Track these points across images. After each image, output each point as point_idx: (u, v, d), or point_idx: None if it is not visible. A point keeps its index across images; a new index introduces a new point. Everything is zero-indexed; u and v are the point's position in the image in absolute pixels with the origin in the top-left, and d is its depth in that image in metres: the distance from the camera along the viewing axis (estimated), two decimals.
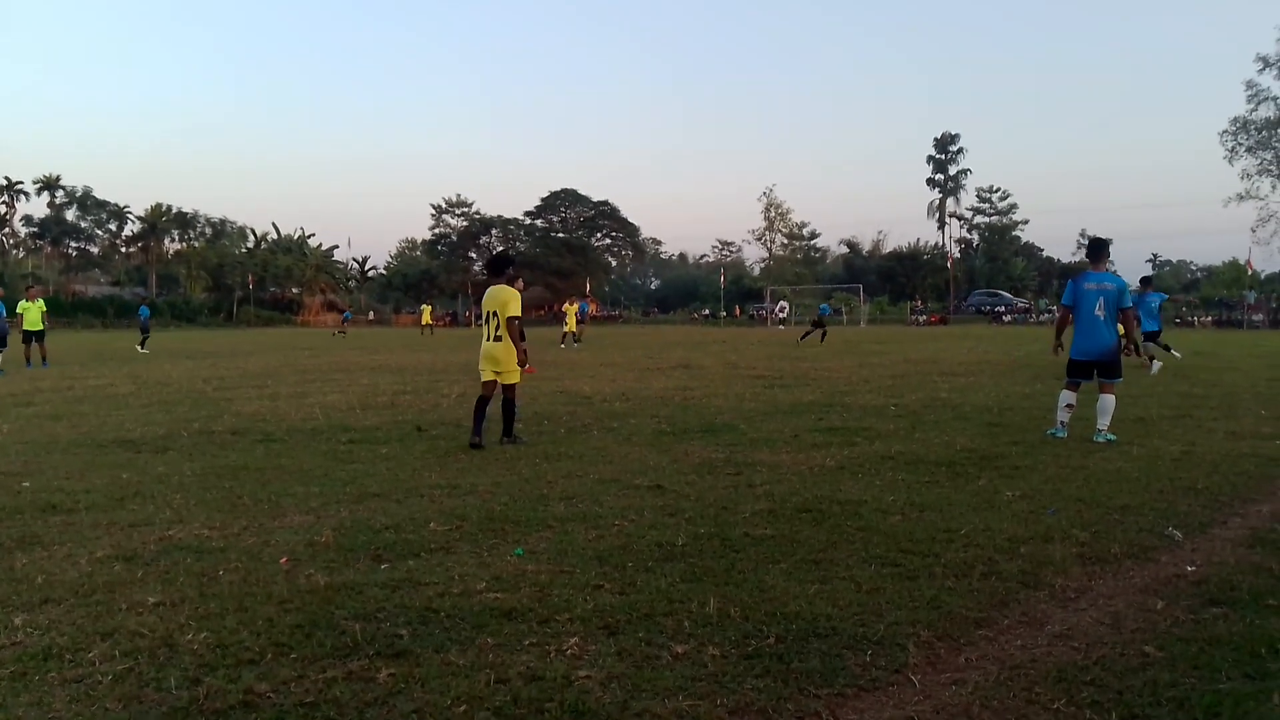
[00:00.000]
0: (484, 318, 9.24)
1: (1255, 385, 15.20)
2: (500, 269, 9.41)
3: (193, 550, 5.18)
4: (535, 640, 3.78)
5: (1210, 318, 63.19)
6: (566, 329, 34.56)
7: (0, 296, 21.96)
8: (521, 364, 9.21)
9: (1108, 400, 9.20)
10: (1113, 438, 9.00)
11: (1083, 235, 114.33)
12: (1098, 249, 9.63)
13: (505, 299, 9.07)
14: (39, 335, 23.04)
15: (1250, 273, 65.94)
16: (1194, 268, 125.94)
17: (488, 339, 9.17)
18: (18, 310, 23.06)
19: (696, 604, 4.18)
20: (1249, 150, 66.63)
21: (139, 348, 31.36)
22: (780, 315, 67.27)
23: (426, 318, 55.80)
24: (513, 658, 3.59)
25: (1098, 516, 5.90)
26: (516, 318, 9.07)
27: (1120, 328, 9.49)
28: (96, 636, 3.83)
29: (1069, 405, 9.46)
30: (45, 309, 23.84)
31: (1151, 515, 5.94)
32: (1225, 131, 67.14)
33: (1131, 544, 5.25)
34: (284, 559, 4.98)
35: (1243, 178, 67.53)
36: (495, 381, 9.23)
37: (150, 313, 35.29)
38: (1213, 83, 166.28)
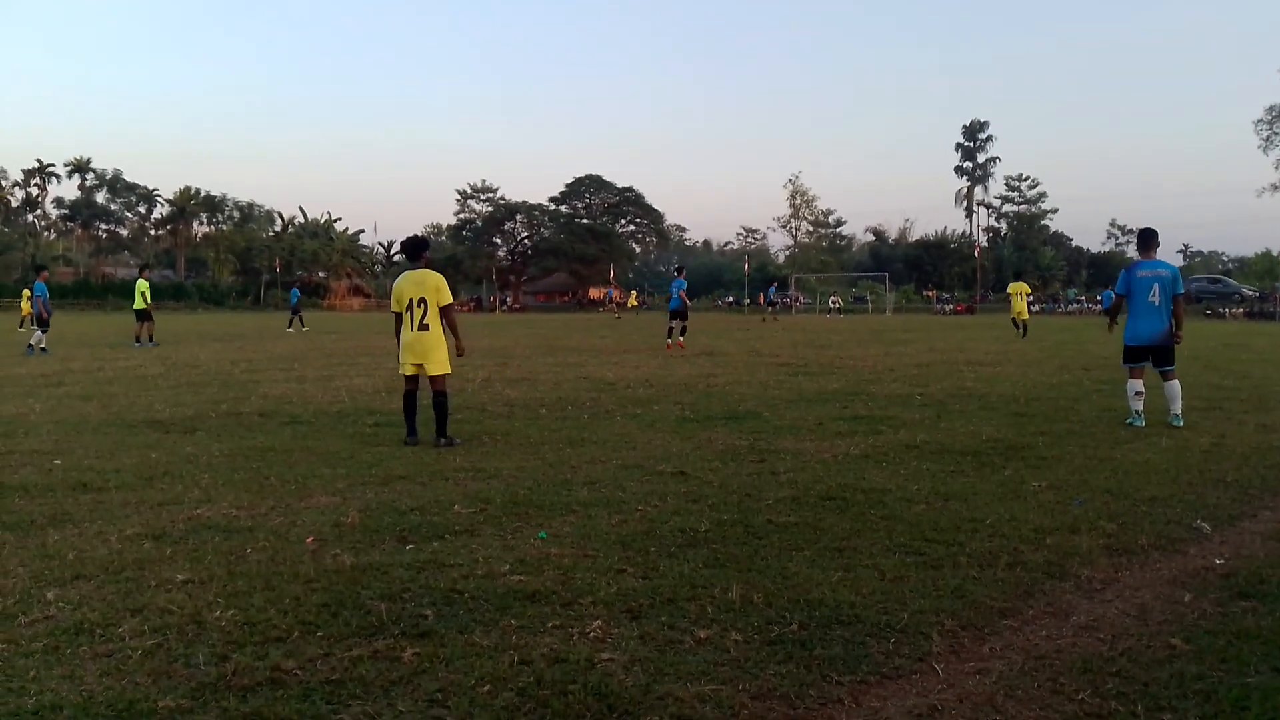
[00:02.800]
0: (406, 305, 8.36)
1: None
2: (418, 252, 8.70)
3: (221, 529, 5.25)
4: (559, 623, 3.80)
5: (1241, 309, 62.29)
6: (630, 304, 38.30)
7: (44, 279, 22.77)
8: (460, 354, 8.83)
9: (1174, 386, 9.48)
10: (1182, 422, 9.27)
11: (1113, 224, 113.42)
12: (1148, 239, 9.74)
13: (436, 284, 8.40)
14: (143, 314, 24.78)
15: None
16: (1226, 259, 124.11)
17: (411, 328, 8.34)
18: (139, 290, 24.99)
19: (719, 590, 4.18)
20: None
21: (301, 327, 35.13)
22: (834, 307, 67.95)
23: (619, 297, 54.70)
24: (536, 640, 3.61)
25: (1125, 508, 5.85)
26: (452, 304, 8.60)
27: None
28: (126, 612, 3.89)
29: (1139, 393, 9.55)
30: (146, 289, 25.38)
31: (1180, 507, 5.88)
32: (1260, 120, 66.36)
33: (1159, 536, 5.20)
34: (310, 539, 5.02)
35: (1277, 167, 66.63)
36: (418, 376, 8.48)
37: (300, 294, 39.06)
38: (1247, 71, 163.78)
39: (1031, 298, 29.31)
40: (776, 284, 64.66)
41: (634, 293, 52.57)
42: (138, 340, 24.01)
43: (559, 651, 3.49)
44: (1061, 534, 5.18)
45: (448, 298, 8.49)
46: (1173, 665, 3.42)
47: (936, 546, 4.92)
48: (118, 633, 3.67)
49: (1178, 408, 9.43)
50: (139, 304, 24.76)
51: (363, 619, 3.81)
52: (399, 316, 8.47)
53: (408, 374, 8.52)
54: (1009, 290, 29.92)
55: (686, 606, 3.99)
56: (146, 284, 25.28)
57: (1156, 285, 9.36)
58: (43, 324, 21.22)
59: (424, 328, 8.35)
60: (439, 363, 8.39)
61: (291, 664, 3.37)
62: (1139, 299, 9.45)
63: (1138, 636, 3.71)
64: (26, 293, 27.26)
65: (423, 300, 8.35)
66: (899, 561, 4.67)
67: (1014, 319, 28.95)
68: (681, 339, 22.78)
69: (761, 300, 63.55)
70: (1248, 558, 4.80)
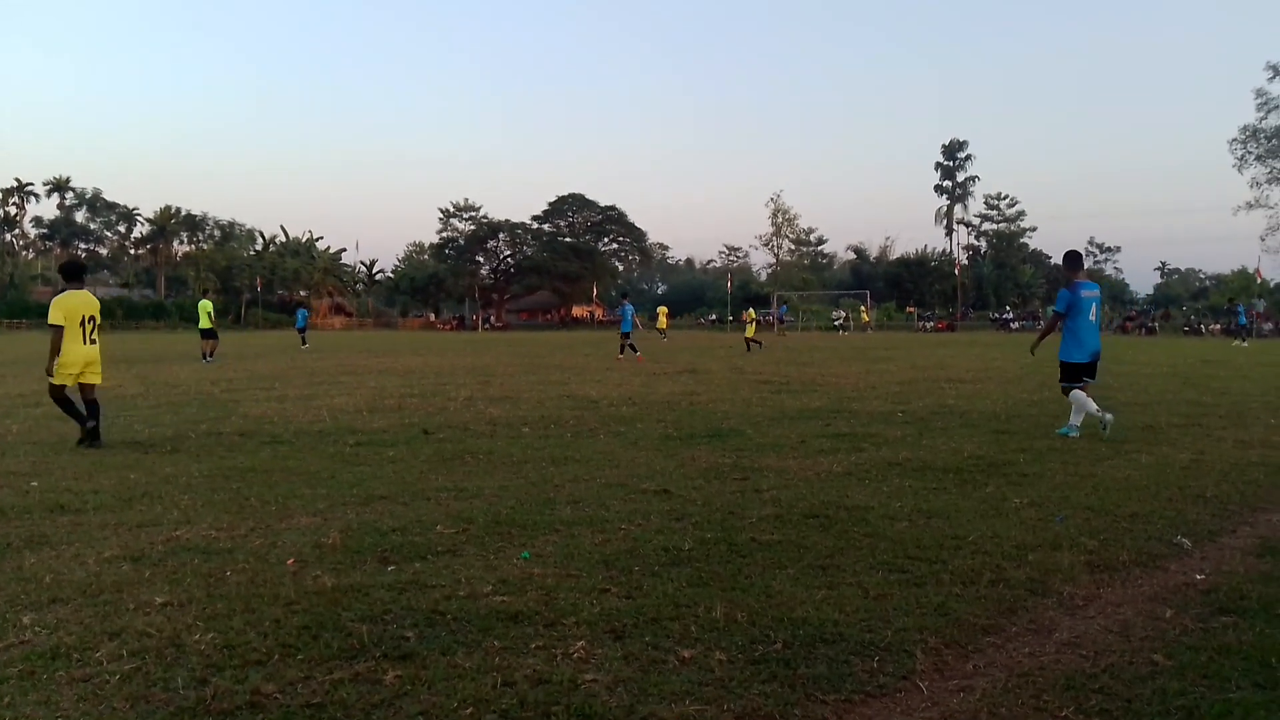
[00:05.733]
0: (80, 321, 9.34)
1: (1264, 394, 15.14)
2: (81, 274, 9.81)
3: (200, 551, 5.19)
4: (542, 643, 3.77)
5: (1219, 326, 62.95)
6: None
7: None
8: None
9: (1082, 396, 9.92)
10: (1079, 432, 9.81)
11: (1091, 242, 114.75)
12: (1079, 260, 10.28)
13: (98, 305, 9.69)
14: (208, 333, 26.10)
15: (1259, 281, 65.76)
16: (1203, 276, 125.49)
17: (84, 342, 9.41)
18: (204, 310, 26.37)
19: (703, 609, 4.17)
20: (1258, 159, 66.58)
21: (302, 345, 36.81)
22: (836, 322, 68.59)
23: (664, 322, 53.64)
24: (519, 661, 3.59)
25: (1106, 524, 5.88)
26: None
27: None
28: (104, 636, 3.84)
29: (1087, 398, 9.84)
30: (211, 309, 26.65)
31: (1160, 523, 5.91)
32: (1235, 140, 67.13)
33: (1140, 552, 5.22)
34: (291, 560, 4.98)
35: (1252, 186, 67.57)
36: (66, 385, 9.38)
37: (307, 314, 41.45)
38: (1223, 90, 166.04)
39: (756, 321, 35.55)
40: (785, 305, 65.45)
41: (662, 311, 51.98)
42: (205, 356, 25.35)
43: (542, 673, 3.47)
44: (1043, 551, 5.20)
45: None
46: (1155, 681, 3.43)
47: (919, 564, 4.93)
48: (95, 657, 3.62)
49: (1079, 420, 9.87)
50: (204, 323, 26.15)
51: (344, 641, 3.78)
52: (61, 330, 9.25)
53: (68, 383, 9.41)
54: (747, 316, 36.04)
55: (670, 626, 3.98)
56: (210, 304, 26.69)
57: (1094, 305, 9.95)
58: None
59: (93, 342, 9.54)
60: (99, 374, 9.68)
61: (271, 687, 3.33)
62: (1083, 318, 9.87)
63: (1120, 653, 3.72)
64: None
65: (93, 318, 9.52)
66: (882, 579, 4.67)
67: (747, 339, 33.28)
68: (639, 354, 26.47)
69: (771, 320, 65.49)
70: (1228, 573, 4.83)
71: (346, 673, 3.47)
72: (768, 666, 3.55)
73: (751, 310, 36.87)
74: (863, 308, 74.70)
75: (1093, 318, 9.93)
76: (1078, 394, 9.86)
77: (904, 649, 3.72)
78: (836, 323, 69.61)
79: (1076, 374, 9.95)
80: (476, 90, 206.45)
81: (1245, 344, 38.62)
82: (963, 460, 8.31)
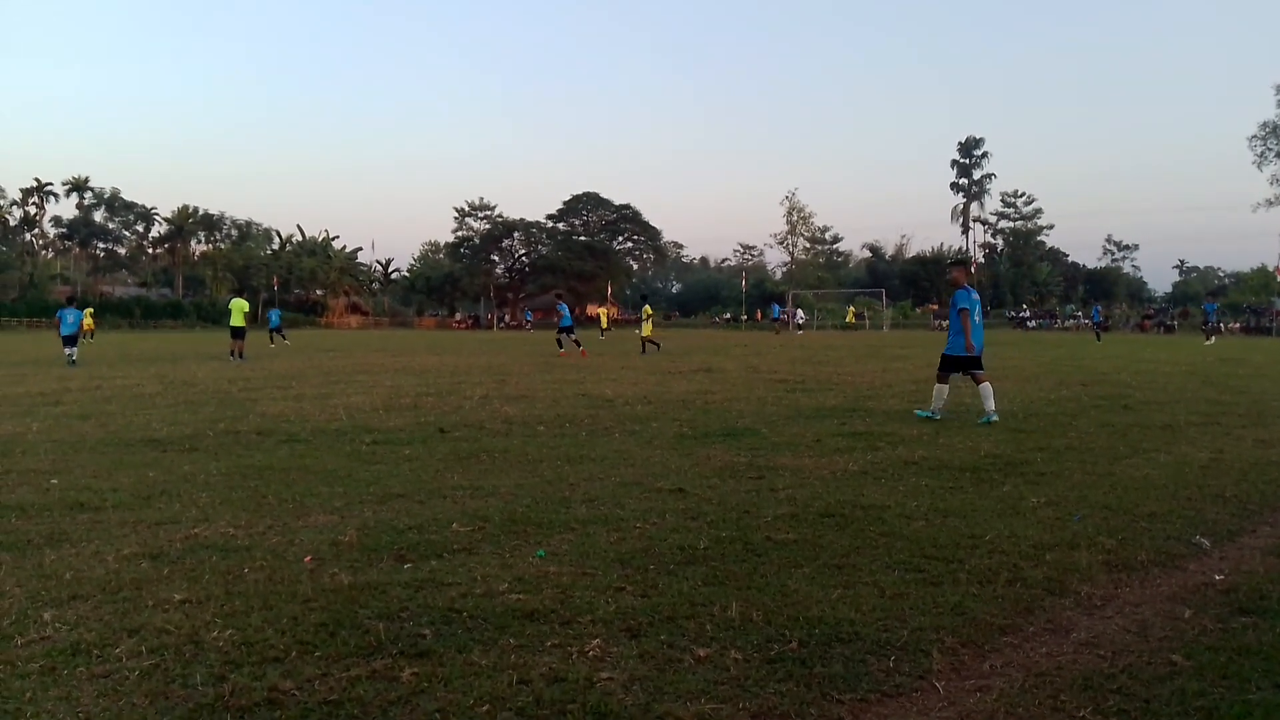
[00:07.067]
0: None
1: None
2: None
3: (218, 548, 5.23)
4: (558, 641, 3.78)
5: (1238, 324, 62.44)
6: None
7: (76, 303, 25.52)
8: None
9: (989, 387, 11.06)
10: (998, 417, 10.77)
11: (1109, 240, 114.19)
12: (969, 265, 11.79)
13: None
14: (239, 332, 26.78)
15: (1279, 279, 65.18)
16: (1222, 273, 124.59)
17: None
18: (238, 308, 27.31)
19: (719, 607, 4.17)
20: (1278, 155, 65.98)
21: (280, 341, 38.21)
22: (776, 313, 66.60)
23: (605, 321, 53.09)
24: (535, 659, 3.60)
25: (1124, 523, 5.84)
26: None
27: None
28: (124, 633, 3.87)
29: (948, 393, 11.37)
30: (246, 309, 27.52)
31: (1179, 523, 5.87)
32: (1254, 136, 66.66)
33: (1159, 551, 5.19)
34: (308, 558, 5.01)
35: (1272, 183, 67.06)
36: None
37: (281, 313, 42.19)
38: (1242, 87, 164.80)
39: (653, 317, 33.33)
40: (778, 302, 65.01)
41: (602, 310, 51.36)
42: (232, 355, 26.11)
43: (558, 670, 3.48)
44: (1061, 550, 5.17)
45: None
46: (1174, 682, 3.41)
47: (936, 563, 4.91)
48: (115, 653, 3.65)
49: (993, 405, 10.95)
50: (237, 321, 26.81)
51: (361, 638, 3.79)
52: None
53: None
54: (644, 313, 33.95)
55: (686, 625, 3.98)
56: (245, 304, 27.54)
57: (977, 307, 11.35)
58: (75, 341, 24.20)
59: None
60: None
61: (289, 684, 3.35)
62: (975, 318, 11.27)
63: (1138, 653, 3.70)
64: (90, 310, 29.82)
65: None
66: (898, 578, 4.66)
67: (648, 338, 31.32)
68: (582, 348, 28.25)
69: (761, 316, 64.17)
70: (1248, 573, 4.79)
71: (363, 670, 3.48)
72: (783, 666, 3.55)
73: (648, 307, 34.27)
74: (850, 307, 74.15)
75: (977, 318, 11.33)
76: (942, 388, 11.19)
77: (920, 648, 3.71)
78: (776, 316, 61.26)
79: (957, 366, 11.22)
80: (491, 90, 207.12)
81: (1212, 342, 38.25)
82: (979, 459, 8.27)
